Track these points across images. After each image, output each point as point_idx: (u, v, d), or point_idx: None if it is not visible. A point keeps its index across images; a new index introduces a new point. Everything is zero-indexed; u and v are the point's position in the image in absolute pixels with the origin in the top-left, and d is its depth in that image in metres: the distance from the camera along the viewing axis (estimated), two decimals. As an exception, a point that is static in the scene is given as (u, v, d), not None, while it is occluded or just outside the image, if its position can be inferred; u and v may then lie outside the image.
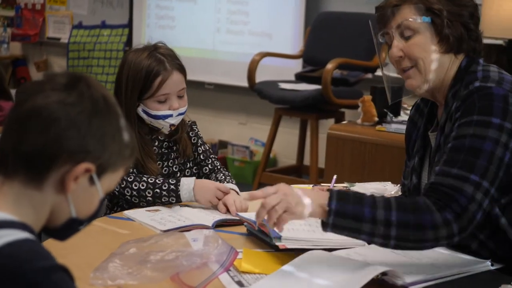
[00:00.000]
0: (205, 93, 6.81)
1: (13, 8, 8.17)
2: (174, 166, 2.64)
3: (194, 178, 2.47)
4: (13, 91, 3.92)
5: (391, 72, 2.21)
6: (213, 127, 6.85)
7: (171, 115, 2.53)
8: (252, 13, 6.61)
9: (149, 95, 2.51)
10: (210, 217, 2.32)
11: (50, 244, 1.46)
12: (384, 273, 1.79)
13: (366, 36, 5.60)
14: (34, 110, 1.30)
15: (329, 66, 5.17)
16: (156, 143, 2.61)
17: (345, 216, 1.79)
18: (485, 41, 4.48)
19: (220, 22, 6.79)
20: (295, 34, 6.33)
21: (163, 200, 2.43)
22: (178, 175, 2.64)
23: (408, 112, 3.80)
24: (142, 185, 2.44)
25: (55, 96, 1.30)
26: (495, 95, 1.91)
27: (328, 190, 1.84)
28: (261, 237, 2.10)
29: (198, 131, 2.74)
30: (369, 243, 1.86)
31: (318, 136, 5.48)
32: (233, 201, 2.39)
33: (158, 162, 2.59)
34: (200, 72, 6.68)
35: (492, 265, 1.94)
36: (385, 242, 1.81)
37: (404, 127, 3.61)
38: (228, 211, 2.39)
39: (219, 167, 2.71)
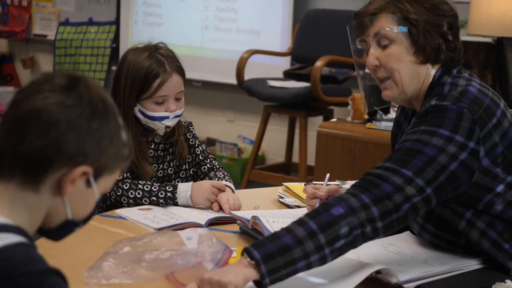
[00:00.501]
0: (193, 91, 6.79)
1: (-1, 4, 8.15)
2: (170, 168, 2.62)
3: (191, 184, 2.46)
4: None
5: (367, 81, 2.18)
6: (201, 125, 6.84)
7: (167, 117, 2.51)
8: (240, 11, 6.61)
9: (147, 96, 2.49)
10: (203, 215, 2.32)
11: (43, 243, 1.44)
12: (378, 271, 1.80)
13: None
14: (33, 112, 1.28)
15: (318, 63, 5.17)
16: (152, 146, 2.59)
17: (273, 256, 1.64)
18: (474, 39, 4.52)
19: (208, 19, 6.78)
20: (283, 32, 6.33)
21: (160, 206, 2.43)
22: (174, 177, 2.63)
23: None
24: (138, 193, 2.43)
25: (54, 98, 1.29)
26: (448, 112, 1.86)
27: (243, 250, 1.68)
28: (255, 236, 2.10)
29: (194, 132, 2.73)
30: (309, 269, 1.71)
31: (307, 133, 5.49)
32: (226, 200, 2.39)
33: (154, 165, 2.57)
34: (188, 69, 6.54)
35: (483, 262, 1.95)
36: (321, 255, 1.69)
37: (394, 124, 3.65)
38: (221, 209, 2.38)
39: (217, 166, 2.71)
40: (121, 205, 2.43)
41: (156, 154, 2.59)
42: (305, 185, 2.64)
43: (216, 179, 2.60)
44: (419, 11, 1.96)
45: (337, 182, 2.71)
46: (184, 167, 2.67)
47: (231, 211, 2.30)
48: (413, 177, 1.78)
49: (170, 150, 2.63)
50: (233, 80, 5.83)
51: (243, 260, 1.65)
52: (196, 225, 2.19)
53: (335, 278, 1.77)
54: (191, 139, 2.70)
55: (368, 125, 3.75)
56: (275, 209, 2.47)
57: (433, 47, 1.96)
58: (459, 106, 1.87)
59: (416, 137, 1.85)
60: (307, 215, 1.74)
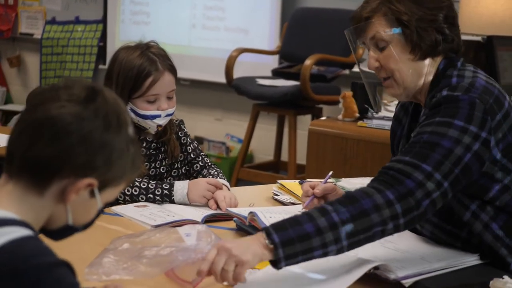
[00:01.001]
0: (181, 89, 6.75)
1: (-15, 3, 8.10)
2: (162, 167, 2.62)
3: (187, 182, 2.46)
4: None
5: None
6: (189, 123, 6.75)
7: (159, 116, 2.50)
8: (228, 9, 6.60)
9: (139, 94, 2.48)
10: (199, 212, 2.33)
11: (43, 240, 1.45)
12: (376, 267, 1.81)
13: (343, 32, 5.66)
14: (48, 119, 1.29)
15: (308, 62, 5.18)
16: (144, 144, 2.58)
17: (291, 242, 1.67)
18: (463, 37, 4.52)
19: (196, 18, 6.78)
20: (271, 30, 6.34)
21: (156, 203, 2.43)
22: (166, 176, 2.63)
23: (389, 108, 3.84)
24: (135, 191, 2.42)
25: (71, 108, 1.30)
26: (461, 102, 1.89)
27: (262, 229, 1.73)
28: (251, 232, 2.10)
29: (186, 130, 2.72)
30: (324, 257, 1.73)
31: (296, 132, 5.50)
32: (223, 197, 2.39)
33: (146, 163, 2.56)
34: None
35: (480, 258, 1.96)
36: (338, 247, 1.72)
37: (385, 123, 3.67)
38: (218, 207, 2.38)
39: (209, 164, 2.71)
40: (117, 202, 2.43)
41: (148, 152, 2.58)
42: (299, 182, 2.65)
43: (210, 176, 2.60)
44: (411, 9, 1.97)
45: (331, 180, 2.71)
46: (176, 166, 2.66)
47: (228, 208, 2.30)
48: (433, 171, 1.81)
49: (162, 149, 2.62)
50: (220, 79, 5.83)
51: (261, 240, 1.68)
52: (193, 222, 2.19)
53: (333, 274, 1.78)
54: (182, 138, 2.69)
55: (360, 123, 3.76)
56: (270, 206, 2.48)
57: (428, 44, 1.98)
58: (471, 96, 1.89)
59: (432, 129, 1.87)
60: (332, 204, 1.75)
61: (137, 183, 2.42)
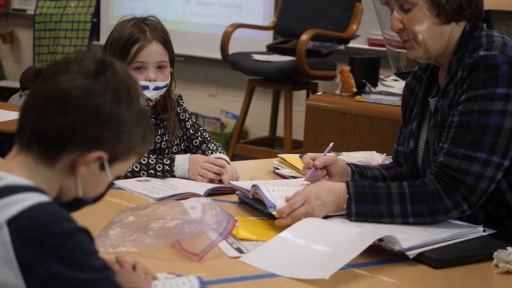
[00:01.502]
0: (175, 65, 6.75)
1: (-23, -21, 8.04)
2: (162, 143, 2.61)
3: (188, 157, 2.45)
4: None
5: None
6: (183, 99, 6.82)
7: (147, 87, 2.47)
8: (223, -16, 6.58)
9: (127, 62, 2.46)
10: (202, 185, 2.33)
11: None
12: (380, 239, 1.81)
13: (339, 7, 5.66)
14: (57, 92, 1.29)
15: (304, 37, 5.17)
16: None
17: (365, 216, 1.95)
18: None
19: (190, -7, 6.75)
20: (265, 6, 6.32)
21: (157, 178, 2.42)
22: (166, 152, 2.62)
23: (385, 83, 3.84)
24: (136, 167, 2.41)
25: (80, 81, 1.30)
26: (499, 64, 1.94)
27: (346, 185, 1.98)
28: (254, 205, 2.11)
29: (184, 106, 2.71)
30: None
31: (292, 107, 5.50)
32: (225, 171, 2.39)
33: None
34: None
35: (484, 231, 1.97)
36: (404, 223, 1.97)
37: (383, 97, 3.67)
38: (220, 180, 2.39)
39: (209, 138, 2.70)
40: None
41: None
42: (300, 156, 2.65)
43: (210, 151, 2.59)
44: None
45: (332, 154, 2.72)
46: (175, 142, 2.65)
47: (230, 182, 2.30)
48: (488, 157, 1.92)
49: (161, 124, 2.61)
50: (215, 55, 5.81)
51: (342, 204, 1.97)
52: (195, 195, 2.19)
53: (338, 246, 1.78)
54: (181, 114, 2.68)
55: (357, 98, 3.75)
56: (270, 180, 2.48)
57: (454, 8, 2.01)
58: (508, 56, 1.95)
59: (478, 108, 1.94)
60: (411, 194, 1.95)
61: None
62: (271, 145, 6.10)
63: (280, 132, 6.05)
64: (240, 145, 5.68)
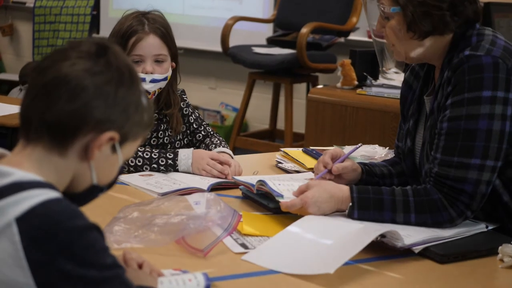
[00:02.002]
0: (175, 58, 6.75)
1: (-24, -29, 8.02)
2: (165, 138, 2.61)
3: (191, 151, 2.45)
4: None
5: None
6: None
7: (144, 79, 2.46)
8: (222, -23, 6.56)
9: (125, 54, 2.45)
10: (205, 180, 2.32)
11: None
12: (383, 235, 1.81)
13: (339, 0, 5.66)
14: (62, 78, 1.29)
15: (304, 30, 5.16)
16: None
17: (367, 220, 1.93)
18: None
19: (190, -14, 6.74)
20: (265, -2, 6.32)
21: (160, 172, 2.42)
22: (169, 147, 2.61)
23: (387, 76, 3.83)
24: (139, 161, 2.41)
25: (82, 64, 1.30)
26: (484, 65, 1.90)
27: (350, 190, 1.95)
28: (258, 200, 2.11)
29: (188, 100, 2.70)
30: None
31: (293, 100, 5.49)
32: (228, 165, 2.39)
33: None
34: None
35: (486, 227, 1.98)
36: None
37: (384, 90, 3.67)
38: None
39: (212, 132, 2.70)
40: (121, 172, 2.41)
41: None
42: (303, 150, 2.65)
43: (213, 145, 2.59)
44: None
45: (338, 148, 2.71)
46: (178, 137, 2.65)
47: (234, 177, 2.30)
48: (482, 162, 1.91)
49: (164, 119, 2.60)
50: (215, 47, 5.80)
51: (342, 205, 1.95)
52: (199, 190, 2.19)
53: (341, 242, 1.78)
54: (184, 108, 2.68)
55: (359, 91, 3.75)
56: (273, 174, 2.48)
57: (429, 27, 1.97)
58: (493, 56, 1.91)
59: (466, 113, 1.92)
60: (415, 203, 1.93)
61: (140, 153, 2.41)
62: (271, 138, 6.10)
63: (280, 125, 6.04)
64: (240, 138, 5.67)
